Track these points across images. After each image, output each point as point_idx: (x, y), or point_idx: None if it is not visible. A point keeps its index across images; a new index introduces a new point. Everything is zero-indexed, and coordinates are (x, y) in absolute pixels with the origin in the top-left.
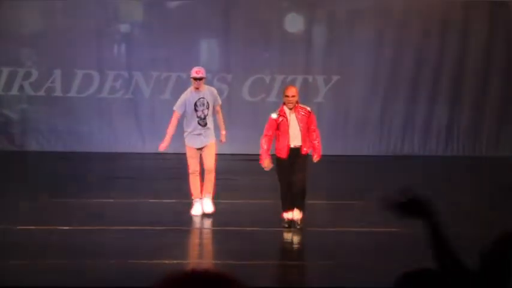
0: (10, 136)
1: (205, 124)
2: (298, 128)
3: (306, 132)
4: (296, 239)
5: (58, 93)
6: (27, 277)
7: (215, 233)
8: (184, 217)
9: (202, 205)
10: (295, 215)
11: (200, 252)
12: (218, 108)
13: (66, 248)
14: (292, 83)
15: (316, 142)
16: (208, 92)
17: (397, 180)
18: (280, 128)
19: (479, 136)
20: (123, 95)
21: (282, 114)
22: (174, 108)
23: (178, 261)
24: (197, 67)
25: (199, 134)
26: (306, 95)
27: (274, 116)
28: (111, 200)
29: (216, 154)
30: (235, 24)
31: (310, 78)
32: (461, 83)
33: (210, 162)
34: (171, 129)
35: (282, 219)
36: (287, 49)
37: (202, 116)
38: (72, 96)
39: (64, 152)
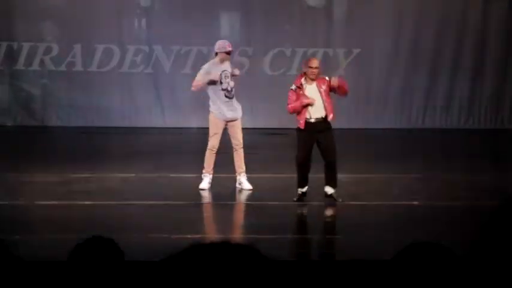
0: (31, 111)
1: (232, 96)
2: (319, 97)
3: (329, 100)
4: (320, 212)
5: (78, 67)
6: (48, 251)
7: (237, 207)
8: (205, 192)
9: (242, 183)
10: (330, 189)
11: (221, 227)
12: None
13: (87, 223)
14: (313, 55)
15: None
16: (229, 65)
17: (418, 153)
18: (298, 99)
19: (501, 108)
20: (143, 70)
21: (298, 85)
22: (198, 77)
23: (200, 235)
24: (224, 41)
25: (228, 107)
26: (326, 69)
27: (293, 87)
28: (132, 175)
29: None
30: None
31: (331, 52)
32: (483, 54)
33: (239, 138)
34: (200, 81)
35: (298, 193)
36: (308, 22)
37: (229, 89)
38: (93, 71)
39: (84, 127)
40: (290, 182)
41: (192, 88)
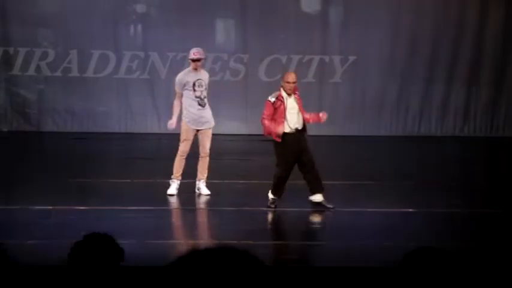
0: (27, 116)
1: (205, 104)
2: (297, 109)
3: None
4: (314, 219)
5: (75, 73)
6: (45, 256)
7: (232, 213)
8: (202, 197)
9: (200, 189)
10: (319, 197)
11: (218, 232)
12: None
13: (84, 228)
14: (309, 63)
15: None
16: (204, 74)
17: (414, 161)
18: (277, 112)
19: (497, 116)
20: (139, 76)
21: (279, 98)
22: (176, 89)
23: (196, 241)
24: (196, 48)
25: (201, 115)
26: (322, 76)
27: (272, 99)
28: (128, 181)
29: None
30: (252, 4)
31: (327, 59)
32: (479, 62)
33: (207, 147)
34: (176, 108)
35: (270, 200)
36: (303, 29)
37: (202, 97)
38: (89, 76)
39: (80, 132)
40: (288, 187)
41: (174, 104)
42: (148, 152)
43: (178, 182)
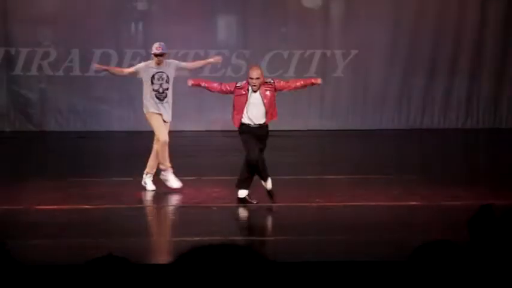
0: (29, 116)
1: (164, 98)
2: (262, 105)
3: (272, 105)
4: (317, 214)
5: (76, 72)
6: (48, 256)
7: (235, 210)
8: (202, 194)
9: (171, 180)
10: (269, 184)
11: (220, 229)
12: (184, 63)
13: (86, 227)
14: (310, 57)
15: (299, 83)
16: (167, 66)
17: (418, 154)
18: (235, 100)
19: (499, 107)
20: None
21: (244, 88)
22: (134, 67)
23: (199, 238)
24: (158, 43)
25: (160, 105)
26: (324, 70)
27: (238, 84)
28: (131, 179)
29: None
30: (253, 0)
31: (329, 53)
32: (481, 54)
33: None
34: (117, 68)
35: (246, 198)
36: (305, 24)
37: (161, 90)
38: (91, 75)
39: (83, 131)
40: (292, 183)
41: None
42: (151, 150)
43: (171, 170)
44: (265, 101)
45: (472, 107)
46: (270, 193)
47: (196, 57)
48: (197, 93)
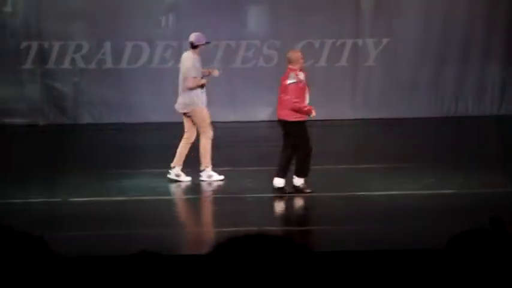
0: (63, 109)
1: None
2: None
3: None
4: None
5: (109, 65)
6: (84, 248)
7: (269, 200)
8: (236, 184)
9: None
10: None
11: (256, 219)
12: None
13: (121, 219)
14: (342, 47)
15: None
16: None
17: (451, 142)
18: (298, 90)
19: None
20: (173, 65)
21: (299, 79)
22: (194, 75)
23: (235, 228)
24: (200, 33)
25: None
26: (355, 59)
27: (294, 80)
28: (164, 170)
29: None
30: None
31: (360, 42)
32: None
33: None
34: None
35: (285, 187)
36: (336, 13)
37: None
38: (123, 67)
39: (116, 123)
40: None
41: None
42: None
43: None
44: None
45: (506, 92)
46: (299, 188)
47: (228, 48)
48: (228, 83)
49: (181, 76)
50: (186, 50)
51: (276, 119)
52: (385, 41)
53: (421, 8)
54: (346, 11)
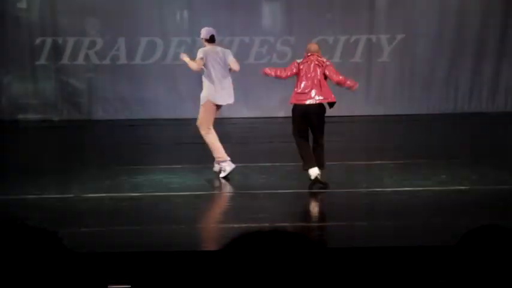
0: (77, 105)
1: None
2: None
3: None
4: (363, 200)
5: (123, 61)
6: (98, 244)
7: (282, 196)
8: (251, 181)
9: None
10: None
11: (268, 215)
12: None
13: (135, 215)
14: (356, 43)
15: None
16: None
17: (465, 138)
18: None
19: None
20: None
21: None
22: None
23: (248, 224)
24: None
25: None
26: (370, 55)
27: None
28: (179, 166)
29: None
30: None
31: (374, 38)
32: None
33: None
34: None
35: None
36: (349, 9)
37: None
38: (137, 63)
39: (130, 119)
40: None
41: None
42: (198, 137)
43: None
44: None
45: None
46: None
47: (242, 44)
48: (242, 79)
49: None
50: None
51: (290, 115)
52: (399, 37)
53: (435, 4)
54: (360, 8)
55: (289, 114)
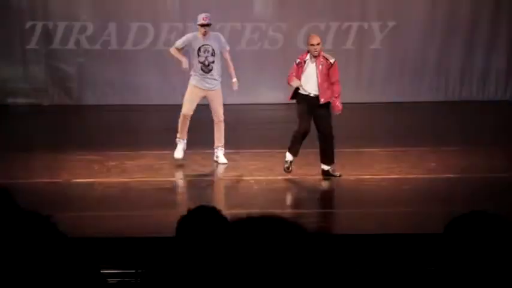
0: (67, 90)
1: (210, 71)
2: (315, 77)
3: (326, 82)
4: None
5: (114, 46)
6: (87, 228)
7: (272, 183)
8: (241, 167)
9: (218, 157)
10: (326, 166)
11: (258, 202)
12: (226, 54)
13: (124, 200)
14: (348, 30)
15: (334, 97)
16: (213, 38)
17: (455, 126)
18: (299, 73)
19: None
20: None
21: (302, 60)
22: (177, 43)
23: (237, 210)
24: (204, 13)
25: (204, 79)
26: (361, 42)
27: (296, 61)
28: (168, 152)
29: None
30: None
31: (366, 25)
32: None
33: (219, 112)
34: (176, 54)
35: (287, 162)
36: None
37: (206, 63)
38: (128, 49)
39: (120, 105)
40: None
41: (171, 51)
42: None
43: (184, 142)
44: (319, 73)
45: (511, 79)
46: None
47: (233, 31)
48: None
49: None
50: (193, 31)
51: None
52: (390, 24)
53: None
54: None
55: (280, 100)
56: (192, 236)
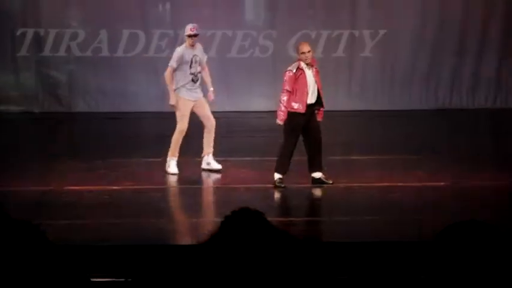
0: (58, 97)
1: (198, 80)
2: (314, 84)
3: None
4: (341, 195)
5: (105, 53)
6: (78, 236)
7: (261, 191)
8: (232, 175)
9: (211, 164)
10: (319, 174)
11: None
12: (204, 64)
13: (115, 208)
14: (338, 38)
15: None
16: (199, 49)
17: (445, 134)
18: (298, 83)
19: None
20: (169, 54)
21: (300, 68)
22: (172, 63)
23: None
24: (192, 24)
25: (194, 90)
26: (352, 50)
27: (293, 69)
28: (159, 160)
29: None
30: None
31: (357, 33)
32: (510, 33)
33: (211, 116)
34: (171, 84)
35: (278, 180)
36: (332, 4)
37: (196, 73)
38: (119, 56)
39: (111, 112)
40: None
41: (167, 76)
42: None
43: (176, 159)
44: (317, 78)
45: (501, 86)
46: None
47: (224, 38)
48: (224, 73)
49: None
50: (184, 39)
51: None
52: (381, 32)
53: (417, 0)
54: (343, 2)
55: (270, 108)
56: (235, 238)
